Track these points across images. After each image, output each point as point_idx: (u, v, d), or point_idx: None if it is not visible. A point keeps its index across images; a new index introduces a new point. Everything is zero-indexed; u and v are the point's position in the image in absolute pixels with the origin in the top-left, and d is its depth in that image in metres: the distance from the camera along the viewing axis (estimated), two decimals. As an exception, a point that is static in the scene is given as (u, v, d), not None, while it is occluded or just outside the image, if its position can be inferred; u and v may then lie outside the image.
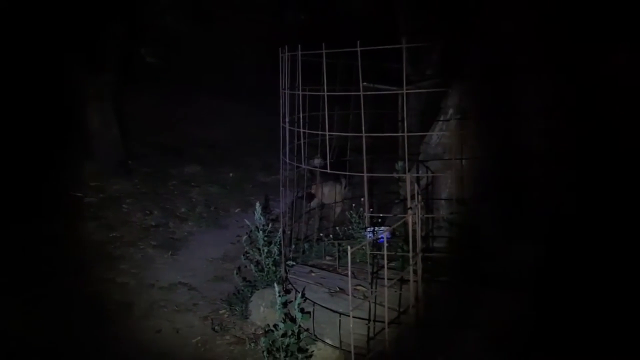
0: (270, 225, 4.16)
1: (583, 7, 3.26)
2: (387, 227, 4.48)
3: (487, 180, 4.18)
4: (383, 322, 2.97)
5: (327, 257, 4.38)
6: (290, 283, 3.81)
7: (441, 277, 3.83)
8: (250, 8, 11.11)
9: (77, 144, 6.37)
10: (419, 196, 3.01)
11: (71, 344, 3.44)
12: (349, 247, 2.17)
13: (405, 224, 2.89)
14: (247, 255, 4.13)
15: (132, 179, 6.42)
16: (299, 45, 3.53)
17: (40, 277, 4.12)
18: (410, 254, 2.68)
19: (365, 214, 4.26)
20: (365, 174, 3.39)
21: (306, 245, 4.54)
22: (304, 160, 3.93)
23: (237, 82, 10.22)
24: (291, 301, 3.37)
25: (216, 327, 3.77)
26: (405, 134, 3.29)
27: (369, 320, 3.14)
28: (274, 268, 4.04)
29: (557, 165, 3.68)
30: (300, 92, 3.69)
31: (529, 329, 2.97)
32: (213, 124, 8.90)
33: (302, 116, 3.92)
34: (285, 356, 3.09)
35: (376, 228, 4.37)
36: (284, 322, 3.15)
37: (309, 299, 3.47)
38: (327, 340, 3.23)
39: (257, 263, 4.08)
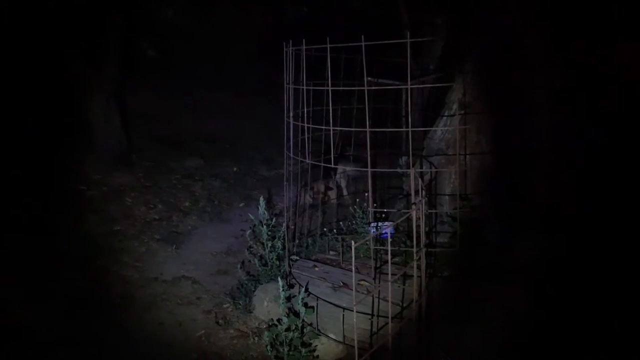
0: (274, 219, 4.16)
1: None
2: (391, 222, 4.49)
3: (491, 176, 4.19)
4: (386, 317, 2.98)
5: (331, 252, 4.39)
6: (293, 277, 3.82)
7: (444, 272, 3.85)
8: (251, 1, 11.06)
9: (79, 137, 6.36)
10: (423, 191, 3.00)
11: (74, 336, 3.45)
12: (352, 242, 2.17)
13: (409, 219, 2.89)
14: (251, 249, 4.14)
15: (135, 172, 6.41)
16: (303, 40, 3.51)
17: (43, 270, 4.13)
18: (414, 249, 2.68)
19: (369, 209, 4.27)
20: (369, 169, 3.40)
21: (310, 240, 4.55)
22: (308, 156, 3.93)
23: (238, 75, 10.19)
24: (294, 296, 3.38)
25: (219, 321, 3.78)
26: (410, 129, 3.28)
27: (372, 315, 3.15)
28: (277, 262, 4.05)
29: (560, 161, 3.68)
30: (305, 87, 3.68)
31: (532, 324, 2.98)
32: (213, 117, 8.87)
33: (307, 111, 3.91)
34: (289, 350, 3.10)
35: (379, 223, 4.37)
36: (288, 316, 3.17)
37: (313, 294, 3.48)
38: (331, 335, 3.24)
39: (261, 257, 4.09)
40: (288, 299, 3.25)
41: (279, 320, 3.19)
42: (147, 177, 6.36)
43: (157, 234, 5.08)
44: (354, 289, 2.47)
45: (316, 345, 3.28)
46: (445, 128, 4.32)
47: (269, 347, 3.17)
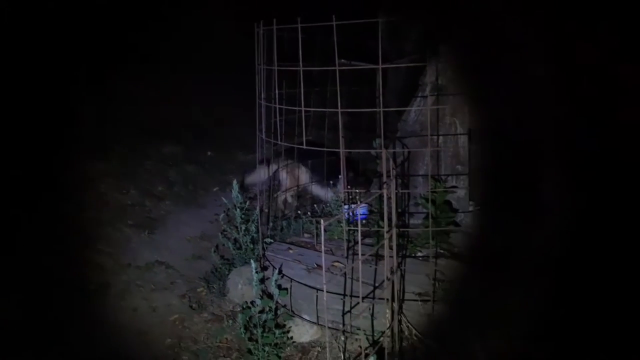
0: (248, 203, 4.14)
1: None
2: (364, 204, 4.50)
3: (464, 159, 4.22)
4: (358, 296, 3.01)
5: (306, 235, 4.39)
6: (267, 260, 3.82)
7: (417, 253, 3.89)
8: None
9: (56, 124, 6.23)
10: (394, 171, 3.01)
11: (47, 324, 3.40)
12: (321, 221, 2.17)
13: (382, 200, 2.91)
14: (225, 233, 4.12)
15: (109, 159, 6.31)
16: (274, 20, 3.47)
17: (15, 257, 4.05)
18: (385, 229, 2.70)
19: (342, 190, 4.27)
20: (342, 150, 3.39)
21: (284, 223, 4.54)
22: (281, 138, 3.90)
23: (215, 60, 10.05)
24: (268, 278, 3.39)
25: (194, 305, 3.77)
26: (381, 109, 3.28)
27: (344, 295, 3.17)
28: (251, 246, 4.04)
29: (533, 151, 3.70)
30: (277, 68, 3.64)
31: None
32: (191, 104, 8.77)
33: (279, 93, 3.88)
34: (263, 332, 3.11)
35: (353, 205, 4.38)
36: (261, 298, 3.17)
37: (287, 276, 3.49)
38: (304, 316, 3.26)
39: (235, 241, 4.07)
40: (261, 281, 3.25)
41: (252, 302, 3.20)
42: (121, 164, 6.26)
43: (130, 220, 5.01)
44: (323, 269, 2.47)
45: (290, 327, 3.29)
46: (419, 108, 4.33)
47: (242, 330, 3.17)
